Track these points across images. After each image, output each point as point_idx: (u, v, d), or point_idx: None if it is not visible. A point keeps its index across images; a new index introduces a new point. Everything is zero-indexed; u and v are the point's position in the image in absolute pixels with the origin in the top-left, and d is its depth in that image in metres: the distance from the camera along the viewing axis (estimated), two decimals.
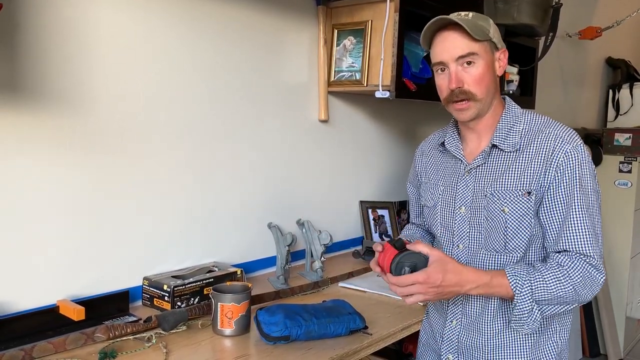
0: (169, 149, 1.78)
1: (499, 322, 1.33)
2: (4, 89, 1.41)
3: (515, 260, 1.30)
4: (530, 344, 1.32)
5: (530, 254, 1.30)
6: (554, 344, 1.34)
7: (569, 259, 1.23)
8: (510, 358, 1.33)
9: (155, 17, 1.70)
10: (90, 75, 1.57)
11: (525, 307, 1.22)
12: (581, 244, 1.24)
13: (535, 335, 1.33)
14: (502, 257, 1.31)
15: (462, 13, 1.30)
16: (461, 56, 1.26)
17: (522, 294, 1.21)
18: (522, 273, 1.23)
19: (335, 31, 2.21)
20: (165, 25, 1.73)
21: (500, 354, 1.33)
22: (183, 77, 1.80)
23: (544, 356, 1.33)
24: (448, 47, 1.27)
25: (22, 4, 1.42)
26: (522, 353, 1.33)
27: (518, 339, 1.33)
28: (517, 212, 1.28)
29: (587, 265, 1.23)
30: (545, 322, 1.33)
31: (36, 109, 1.47)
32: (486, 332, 1.34)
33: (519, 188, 1.28)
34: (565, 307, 1.25)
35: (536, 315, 1.23)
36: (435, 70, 1.33)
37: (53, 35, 1.48)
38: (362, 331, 1.52)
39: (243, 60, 1.97)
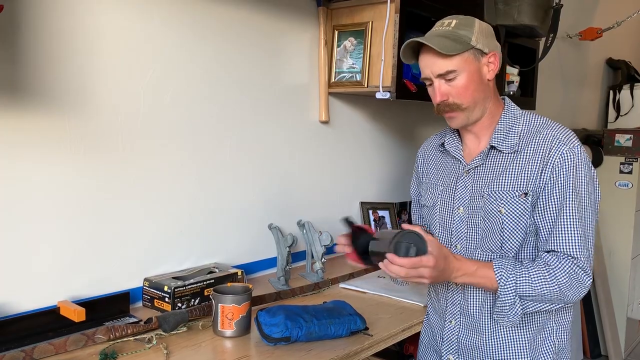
0: (170, 150, 1.78)
1: (499, 322, 1.33)
2: (5, 90, 1.41)
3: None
4: (528, 343, 1.33)
5: (522, 252, 1.31)
6: (552, 343, 1.35)
7: (556, 259, 1.24)
8: (509, 357, 1.33)
9: (156, 18, 1.70)
10: (91, 76, 1.57)
11: (508, 299, 1.23)
12: (569, 246, 1.24)
13: (532, 334, 1.33)
14: (497, 257, 1.31)
15: (446, 22, 1.31)
16: (440, 74, 1.28)
17: (505, 287, 1.23)
18: (508, 267, 1.24)
19: (336, 32, 2.21)
20: (166, 27, 1.73)
21: (499, 353, 1.34)
22: (184, 78, 1.80)
23: (542, 355, 1.34)
24: (428, 64, 1.30)
25: (23, 5, 1.42)
26: (521, 352, 1.33)
27: (516, 338, 1.33)
28: (513, 212, 1.28)
29: (574, 266, 1.24)
30: (542, 321, 1.33)
31: (37, 110, 1.47)
32: (484, 331, 1.34)
33: (515, 189, 1.28)
34: (550, 306, 1.26)
35: (517, 309, 1.24)
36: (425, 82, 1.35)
37: (54, 36, 1.48)
38: (363, 332, 1.52)
39: (244, 61, 1.97)
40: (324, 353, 1.40)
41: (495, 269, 1.24)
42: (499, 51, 1.34)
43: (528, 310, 1.26)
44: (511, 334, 1.33)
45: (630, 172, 3.69)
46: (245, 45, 1.97)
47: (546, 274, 1.23)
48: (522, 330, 1.33)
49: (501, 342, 1.34)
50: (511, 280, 1.23)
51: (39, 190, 1.49)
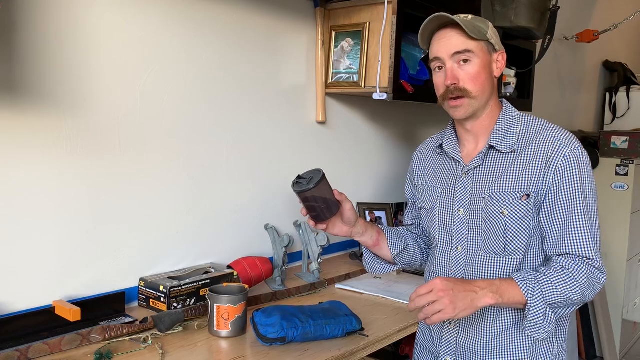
0: (167, 150, 1.78)
1: (498, 324, 1.33)
2: (1, 89, 1.41)
3: (515, 262, 1.30)
4: (528, 347, 1.33)
5: (529, 255, 1.31)
6: (551, 345, 1.35)
7: (572, 262, 1.25)
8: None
9: (153, 18, 1.70)
10: (88, 75, 1.56)
11: (540, 310, 1.23)
12: (583, 248, 1.26)
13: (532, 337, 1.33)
14: (501, 259, 1.31)
15: (462, 15, 1.32)
16: (457, 52, 1.28)
17: (534, 298, 1.22)
18: (529, 278, 1.24)
19: (333, 33, 2.21)
20: (163, 27, 1.73)
21: (498, 357, 1.34)
22: (181, 79, 1.79)
23: (540, 358, 1.34)
24: (445, 44, 1.29)
25: (20, 2, 1.41)
26: (520, 355, 1.33)
27: (516, 342, 1.33)
28: (516, 214, 1.28)
29: (591, 267, 1.25)
30: None
31: (33, 109, 1.47)
32: (485, 334, 1.34)
33: (517, 190, 1.28)
34: (573, 308, 1.28)
35: (550, 318, 1.24)
36: (432, 69, 1.35)
37: (51, 35, 1.48)
38: (359, 333, 1.52)
39: (241, 62, 1.97)
40: (320, 353, 1.40)
41: (518, 283, 1.23)
42: (504, 52, 1.36)
43: (558, 316, 1.26)
44: (511, 338, 1.33)
45: (626, 174, 3.70)
46: (243, 46, 1.97)
47: (566, 277, 1.24)
48: (523, 334, 1.32)
49: (501, 345, 1.33)
50: (537, 290, 1.23)
51: (34, 189, 1.49)
